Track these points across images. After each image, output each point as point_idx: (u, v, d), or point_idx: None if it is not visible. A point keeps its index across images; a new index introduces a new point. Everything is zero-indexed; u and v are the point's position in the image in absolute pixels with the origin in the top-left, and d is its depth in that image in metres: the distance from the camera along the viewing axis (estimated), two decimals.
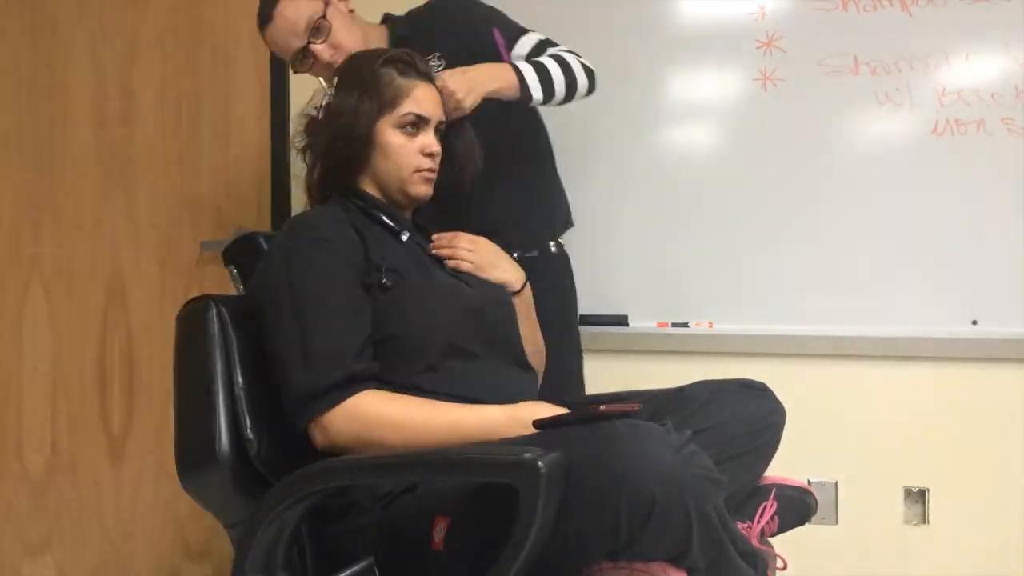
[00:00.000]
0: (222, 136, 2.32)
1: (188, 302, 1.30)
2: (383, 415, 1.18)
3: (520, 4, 2.13)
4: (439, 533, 1.09)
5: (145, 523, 2.37)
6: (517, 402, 1.27)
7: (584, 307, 2.12)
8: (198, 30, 2.32)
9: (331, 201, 1.39)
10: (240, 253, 1.42)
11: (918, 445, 2.04)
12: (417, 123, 1.37)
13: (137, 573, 2.37)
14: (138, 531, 2.37)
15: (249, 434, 1.21)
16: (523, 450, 0.97)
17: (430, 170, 1.39)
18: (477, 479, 1.08)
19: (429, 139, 1.38)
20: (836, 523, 2.06)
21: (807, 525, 2.06)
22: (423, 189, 1.39)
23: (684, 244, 2.11)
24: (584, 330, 2.11)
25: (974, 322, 2.00)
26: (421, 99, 1.38)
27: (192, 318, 1.27)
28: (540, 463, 0.93)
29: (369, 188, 1.40)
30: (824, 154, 2.04)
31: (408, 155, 1.37)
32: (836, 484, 2.07)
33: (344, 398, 1.16)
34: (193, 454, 1.22)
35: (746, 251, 2.08)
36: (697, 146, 2.11)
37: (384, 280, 1.27)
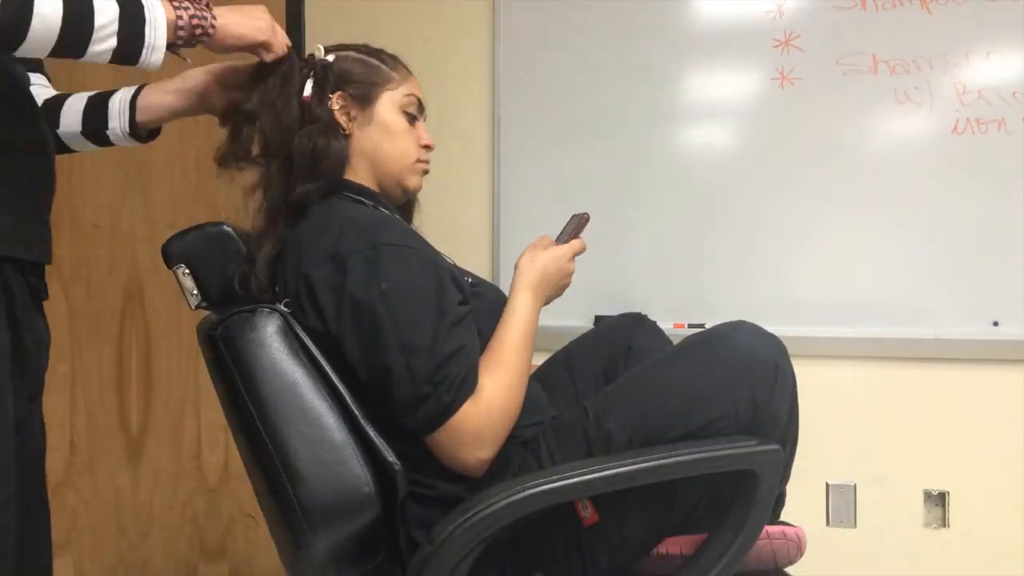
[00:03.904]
0: None
1: (232, 313, 1.13)
2: (504, 391, 1.15)
3: (534, 4, 2.13)
4: (585, 508, 1.13)
5: (162, 522, 2.38)
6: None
7: (601, 307, 2.12)
8: None
9: (337, 197, 1.25)
10: (197, 250, 1.19)
11: (938, 447, 2.02)
12: (418, 112, 1.32)
13: (154, 572, 2.38)
14: (155, 530, 2.38)
15: (390, 457, 1.10)
16: (759, 441, 1.10)
17: (427, 163, 1.35)
18: (713, 471, 1.12)
19: (424, 132, 1.34)
20: (855, 526, 2.05)
21: (826, 527, 2.06)
22: (418, 182, 1.34)
23: (701, 244, 2.10)
24: None
25: (995, 323, 1.98)
26: (418, 88, 1.33)
27: (260, 334, 1.10)
28: (778, 447, 1.10)
29: (358, 178, 1.29)
30: (842, 154, 2.03)
31: (412, 142, 1.31)
32: (855, 487, 2.05)
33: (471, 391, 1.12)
34: (336, 503, 1.06)
35: (763, 251, 2.07)
36: (714, 146, 2.10)
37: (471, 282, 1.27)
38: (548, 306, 2.19)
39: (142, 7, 1.02)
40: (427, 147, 1.34)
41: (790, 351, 1.20)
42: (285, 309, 1.16)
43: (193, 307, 1.19)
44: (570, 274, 1.36)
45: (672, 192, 2.11)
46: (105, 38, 1.00)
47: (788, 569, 1.31)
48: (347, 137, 1.27)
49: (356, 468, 1.07)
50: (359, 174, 1.30)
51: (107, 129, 1.30)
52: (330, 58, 1.28)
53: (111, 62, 1.04)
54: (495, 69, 2.18)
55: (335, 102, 1.26)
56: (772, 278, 2.06)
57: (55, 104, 1.31)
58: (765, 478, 1.09)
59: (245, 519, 2.35)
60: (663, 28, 2.09)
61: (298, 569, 1.13)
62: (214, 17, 1.11)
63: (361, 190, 1.28)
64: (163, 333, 2.38)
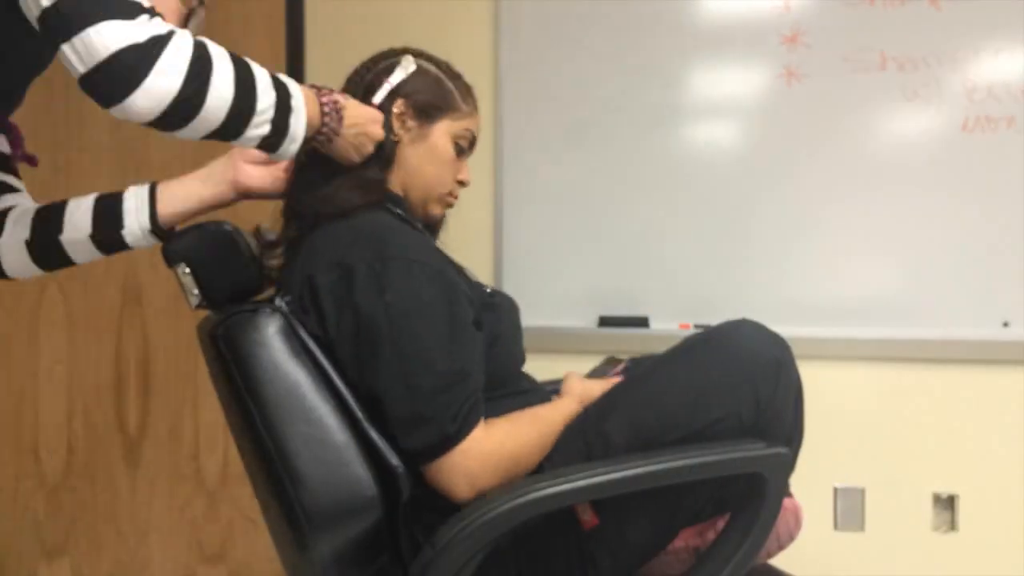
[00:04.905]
0: None
1: (234, 313, 1.12)
2: (515, 444, 1.12)
3: (536, 1, 2.11)
4: (585, 511, 1.11)
5: (160, 525, 2.36)
6: None
7: (605, 308, 2.10)
8: (213, 30, 2.27)
9: (380, 208, 1.25)
10: (197, 249, 1.17)
11: (947, 450, 2.00)
12: (468, 147, 1.32)
13: None
14: (153, 533, 2.36)
15: (393, 459, 1.08)
16: (765, 444, 1.08)
17: (455, 198, 1.34)
18: (721, 475, 1.11)
19: (466, 168, 1.34)
20: (863, 530, 2.02)
21: (834, 531, 2.03)
22: (440, 212, 1.34)
23: (706, 244, 2.07)
24: (605, 331, 2.09)
25: (1006, 324, 1.95)
26: (478, 125, 1.33)
27: (262, 334, 1.09)
28: (787, 451, 1.09)
29: (389, 185, 1.29)
30: (850, 152, 2.00)
31: (452, 173, 1.31)
32: (863, 490, 2.02)
33: (474, 425, 1.09)
34: (338, 505, 1.05)
35: (770, 251, 2.04)
36: (720, 143, 2.07)
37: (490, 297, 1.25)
38: (552, 306, 2.18)
39: (290, 94, 1.01)
40: (461, 182, 1.34)
41: (798, 352, 1.18)
42: (284, 307, 1.14)
43: (194, 307, 1.18)
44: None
45: (677, 190, 2.08)
46: (261, 124, 0.98)
47: (797, 572, 1.29)
48: (396, 144, 1.27)
49: (359, 470, 1.06)
50: (391, 182, 1.28)
51: (123, 229, 1.18)
52: (413, 67, 1.27)
53: (256, 147, 1.01)
54: (498, 66, 2.16)
55: (397, 106, 1.26)
56: (780, 278, 2.03)
57: (53, 211, 1.21)
58: (773, 481, 1.08)
59: (244, 522, 2.33)
60: (668, 24, 2.07)
61: (299, 572, 1.11)
62: (342, 108, 1.11)
63: (390, 195, 1.27)
64: (161, 334, 2.36)
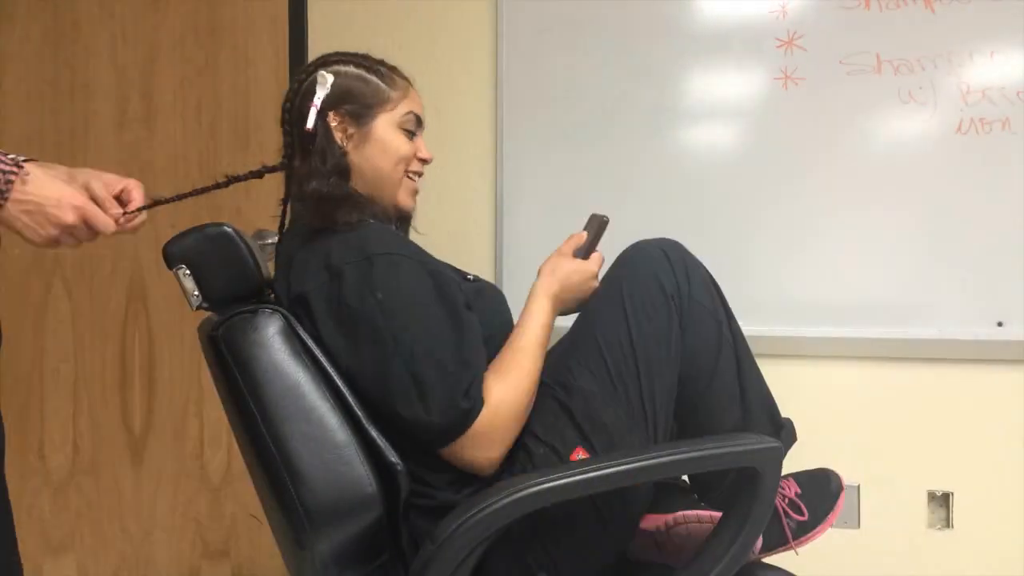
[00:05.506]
0: (241, 137, 2.33)
1: (234, 314, 1.14)
2: (514, 393, 1.16)
3: (537, 4, 2.13)
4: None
5: (165, 523, 2.38)
6: None
7: None
8: (217, 32, 2.32)
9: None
10: (197, 250, 1.18)
11: (942, 448, 2.01)
12: (417, 126, 1.33)
13: (157, 573, 2.38)
14: (158, 531, 2.38)
15: (392, 457, 1.10)
16: (761, 438, 1.10)
17: (418, 175, 1.34)
18: (715, 469, 1.16)
19: (424, 146, 1.34)
20: (858, 527, 2.04)
21: (829, 529, 2.04)
22: (410, 202, 1.34)
23: (704, 244, 2.06)
24: None
25: (999, 324, 1.96)
26: (417, 102, 1.34)
27: (261, 335, 1.11)
28: (780, 445, 1.09)
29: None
30: (846, 154, 2.02)
31: (409, 157, 1.31)
32: (858, 488, 2.04)
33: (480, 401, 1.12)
34: (338, 503, 1.06)
35: (766, 252, 2.06)
36: (716, 146, 2.09)
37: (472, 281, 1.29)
38: None
39: None
40: (423, 160, 1.34)
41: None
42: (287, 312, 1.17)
43: (194, 308, 1.19)
44: (592, 290, 1.37)
45: (676, 192, 2.09)
46: None
47: (792, 569, 1.30)
48: (344, 155, 1.28)
49: (358, 468, 1.07)
50: (356, 188, 1.29)
51: None
52: (331, 79, 1.27)
53: None
54: (498, 69, 2.17)
55: (332, 119, 1.27)
56: (775, 278, 2.05)
57: None
58: (767, 475, 1.09)
59: (248, 519, 2.35)
60: (666, 28, 2.08)
61: (301, 569, 1.13)
62: (12, 182, 1.00)
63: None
64: (166, 333, 2.38)
